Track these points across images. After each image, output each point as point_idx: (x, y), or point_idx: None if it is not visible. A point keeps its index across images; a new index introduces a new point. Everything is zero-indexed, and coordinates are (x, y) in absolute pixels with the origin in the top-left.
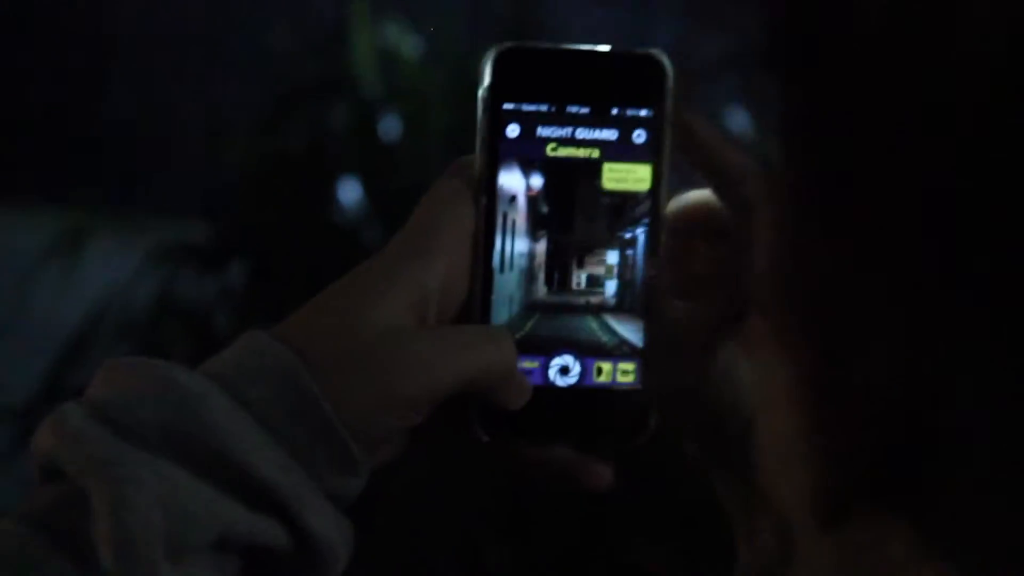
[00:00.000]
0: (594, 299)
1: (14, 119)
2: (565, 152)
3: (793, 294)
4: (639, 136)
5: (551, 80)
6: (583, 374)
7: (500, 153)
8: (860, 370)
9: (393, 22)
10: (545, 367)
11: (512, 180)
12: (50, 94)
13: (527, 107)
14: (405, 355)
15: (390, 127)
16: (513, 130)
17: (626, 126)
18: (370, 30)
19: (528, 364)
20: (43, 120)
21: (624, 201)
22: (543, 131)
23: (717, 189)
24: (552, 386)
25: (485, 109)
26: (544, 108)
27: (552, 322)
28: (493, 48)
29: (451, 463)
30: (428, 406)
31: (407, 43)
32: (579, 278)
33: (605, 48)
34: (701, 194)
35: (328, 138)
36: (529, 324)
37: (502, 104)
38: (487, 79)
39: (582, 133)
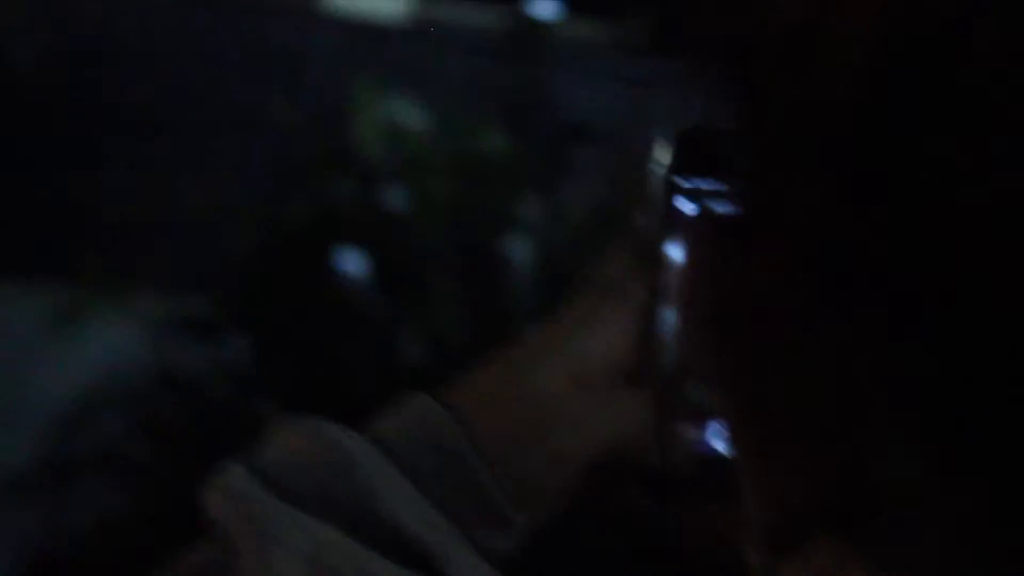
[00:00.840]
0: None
1: (14, 193)
2: None
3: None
4: None
5: (724, 160)
6: (709, 439)
7: (671, 223)
8: (791, 416)
9: (397, 96)
10: (706, 433)
11: (678, 252)
12: (50, 169)
13: (701, 185)
14: (559, 416)
15: (395, 198)
16: (685, 206)
17: None
18: (375, 104)
19: (689, 430)
20: (43, 195)
21: None
22: (719, 205)
23: None
24: (714, 450)
25: (661, 177)
26: (717, 187)
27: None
28: (673, 128)
29: (619, 530)
30: (583, 466)
31: (412, 116)
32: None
33: None
34: None
35: (332, 210)
36: (690, 390)
37: (675, 179)
38: (666, 158)
39: None
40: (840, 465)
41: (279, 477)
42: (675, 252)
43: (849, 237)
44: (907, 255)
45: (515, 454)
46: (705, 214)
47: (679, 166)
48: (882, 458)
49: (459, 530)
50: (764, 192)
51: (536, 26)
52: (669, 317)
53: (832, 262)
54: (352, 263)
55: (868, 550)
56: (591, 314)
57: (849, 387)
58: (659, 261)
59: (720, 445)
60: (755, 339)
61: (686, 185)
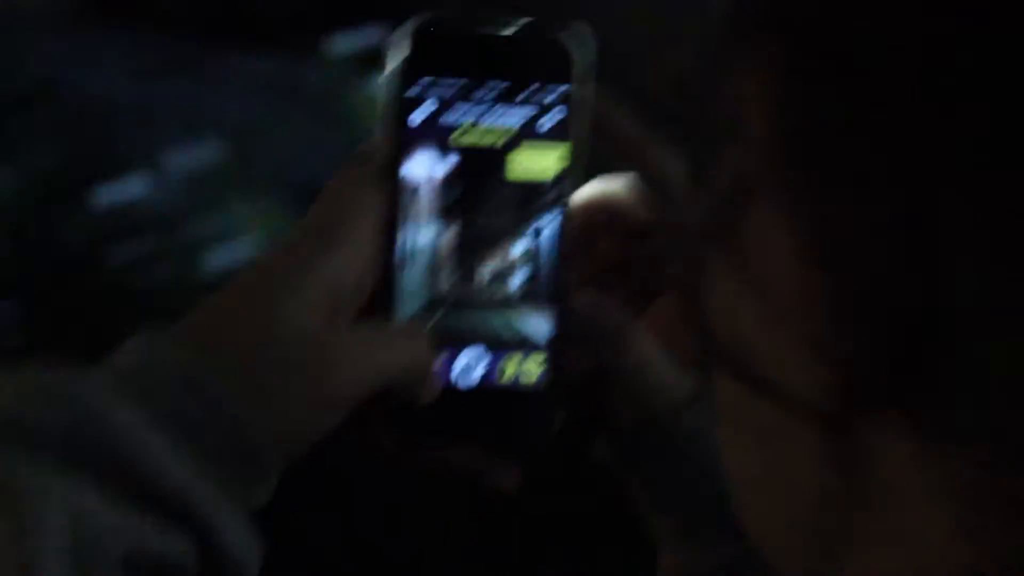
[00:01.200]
0: (501, 293)
1: None
2: (471, 139)
3: (793, 169)
4: (550, 120)
5: (461, 61)
6: (487, 373)
7: (405, 140)
8: (860, 258)
9: None
10: (449, 364)
11: (417, 169)
12: None
13: (433, 92)
14: (326, 355)
15: None
16: (418, 116)
17: (536, 110)
18: None
19: (439, 362)
20: None
21: (531, 190)
22: (449, 117)
23: (641, 177)
24: (455, 386)
25: (391, 93)
26: (451, 93)
27: (457, 317)
28: (404, 24)
29: (354, 466)
30: (349, 407)
31: None
32: (485, 271)
33: (516, 26)
34: (604, 186)
35: None
36: (433, 319)
37: (407, 89)
38: (393, 62)
39: (489, 119)
40: (911, 309)
41: (22, 431)
42: (409, 168)
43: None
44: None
45: (276, 397)
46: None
47: (413, 66)
48: (953, 292)
49: (218, 480)
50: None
51: None
52: (411, 236)
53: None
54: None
55: (918, 420)
56: (332, 237)
57: (923, 216)
58: (396, 177)
59: (463, 379)
60: (826, 166)
61: (417, 91)
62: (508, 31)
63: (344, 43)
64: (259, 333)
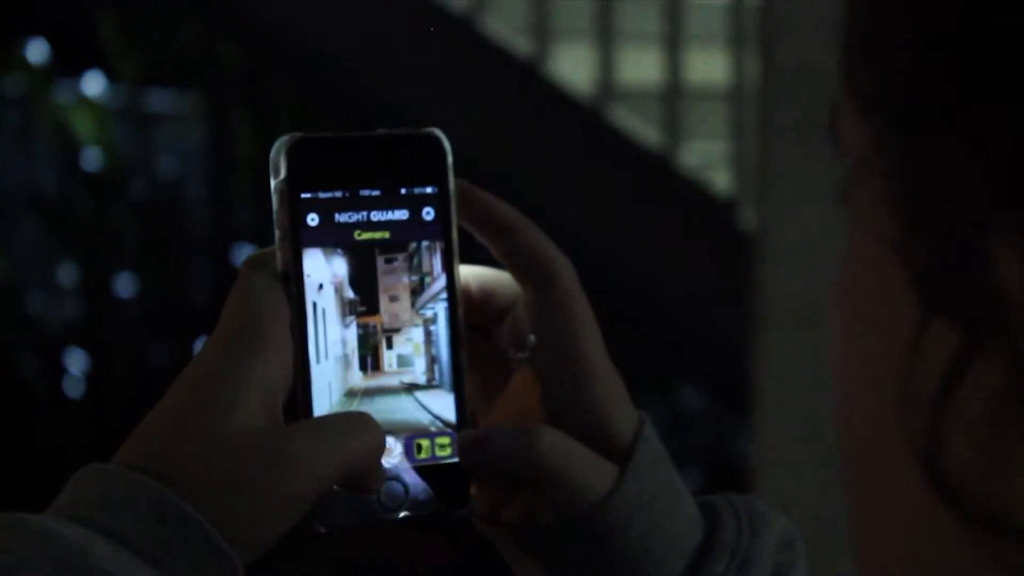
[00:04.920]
0: (406, 378)
1: None
2: (365, 236)
3: None
4: (428, 214)
5: (342, 167)
6: (405, 453)
7: (303, 243)
8: None
9: None
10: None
11: (317, 268)
12: None
13: (323, 195)
14: (283, 457)
15: None
16: (313, 219)
17: (415, 205)
18: None
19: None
20: None
21: (422, 279)
22: (340, 217)
23: (507, 260)
24: (382, 468)
25: (283, 201)
26: (339, 195)
27: (370, 406)
28: (283, 139)
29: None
30: (311, 501)
31: None
32: (390, 359)
33: (386, 131)
34: (476, 271)
35: None
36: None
37: (300, 194)
38: (283, 171)
39: (376, 215)
40: None
41: None
42: (310, 268)
43: None
44: None
45: (237, 506)
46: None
47: (297, 178)
48: None
49: None
50: None
51: None
52: (322, 332)
53: None
54: None
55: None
56: (256, 339)
57: None
58: (299, 278)
59: (384, 462)
60: None
61: (308, 197)
62: (380, 139)
63: (35, 51)
64: (214, 443)
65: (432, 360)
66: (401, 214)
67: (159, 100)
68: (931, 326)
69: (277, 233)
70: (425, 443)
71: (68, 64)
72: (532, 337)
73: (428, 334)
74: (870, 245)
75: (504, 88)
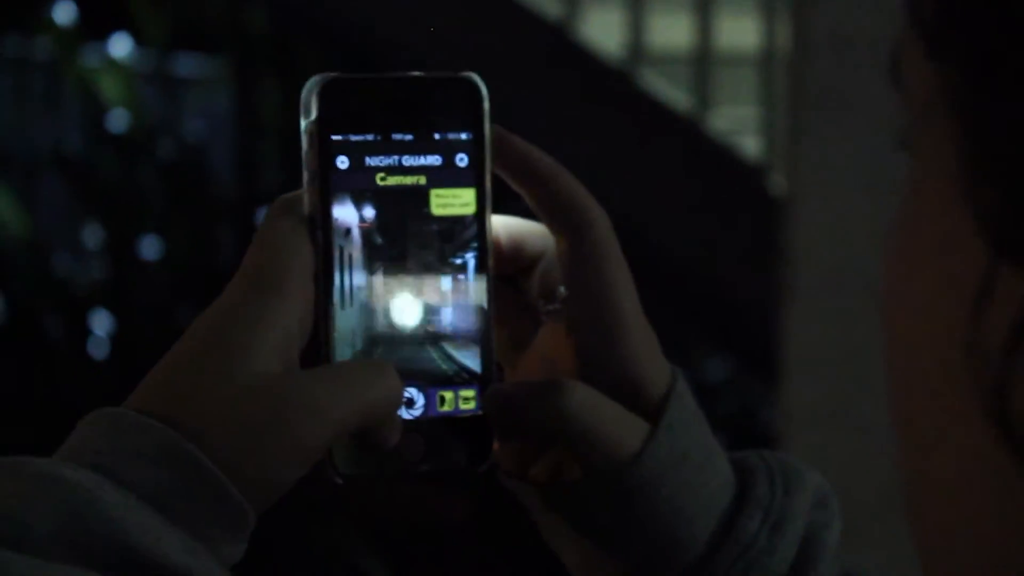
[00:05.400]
0: (431, 328)
1: None
2: (394, 181)
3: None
4: (461, 160)
5: (375, 109)
6: (427, 405)
7: (331, 186)
8: None
9: None
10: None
11: (345, 213)
12: None
13: (354, 137)
14: (296, 402)
15: None
16: (343, 162)
17: (448, 151)
18: None
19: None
20: None
21: (453, 226)
22: (371, 161)
23: (541, 208)
24: (400, 419)
25: (312, 142)
26: (371, 137)
27: (394, 355)
28: (316, 79)
29: (308, 505)
30: (324, 451)
31: None
32: (417, 308)
33: (421, 74)
34: (509, 220)
35: None
36: (374, 358)
37: (330, 136)
38: (313, 111)
39: (408, 160)
40: None
41: (6, 530)
42: (337, 213)
43: None
44: None
45: (249, 452)
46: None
47: (328, 120)
48: None
49: (210, 547)
50: None
51: None
52: (346, 279)
53: None
54: None
55: None
56: (275, 284)
57: None
58: (326, 222)
59: (405, 413)
60: None
61: (338, 139)
62: (414, 82)
63: (63, 13)
64: (226, 387)
65: (460, 310)
66: (434, 159)
67: (186, 64)
68: (999, 272)
69: (305, 175)
70: (449, 395)
71: (95, 27)
72: (562, 289)
73: (457, 283)
74: (933, 191)
75: (534, 51)
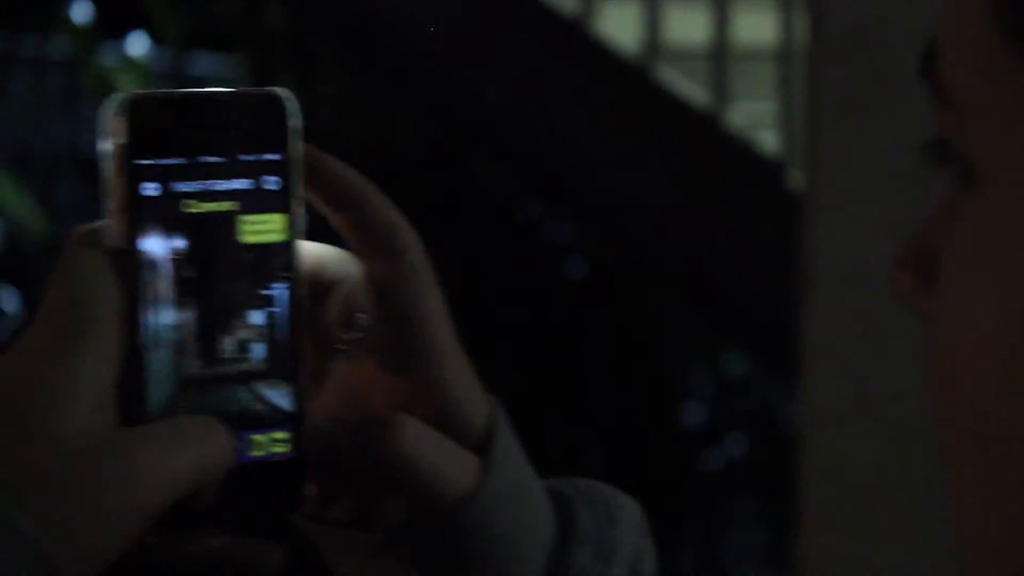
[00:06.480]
0: (244, 366)
1: None
2: (204, 207)
3: None
4: (271, 183)
5: (183, 130)
6: (239, 450)
7: (136, 216)
8: None
9: None
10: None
11: (153, 244)
12: None
13: (161, 161)
14: (128, 464)
15: None
16: (149, 188)
17: (258, 173)
18: None
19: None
20: None
21: (263, 255)
22: (179, 186)
23: (352, 232)
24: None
25: (116, 167)
26: (178, 161)
27: (205, 397)
28: (118, 98)
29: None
30: (158, 514)
31: None
32: (229, 345)
33: (228, 90)
34: (319, 249)
35: None
36: (183, 403)
37: (135, 160)
38: (116, 133)
39: (218, 185)
40: None
41: None
42: (145, 244)
43: None
44: None
45: (65, 512)
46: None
47: (133, 142)
48: None
49: None
50: None
51: None
52: (154, 317)
53: None
54: None
55: None
56: (80, 329)
57: None
58: (132, 255)
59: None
60: None
61: (144, 163)
62: (222, 100)
63: (80, 12)
64: (43, 445)
65: (272, 346)
66: (244, 183)
67: (203, 63)
68: None
69: (108, 203)
70: (261, 439)
71: (113, 26)
72: (365, 317)
73: (268, 317)
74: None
75: (550, 47)
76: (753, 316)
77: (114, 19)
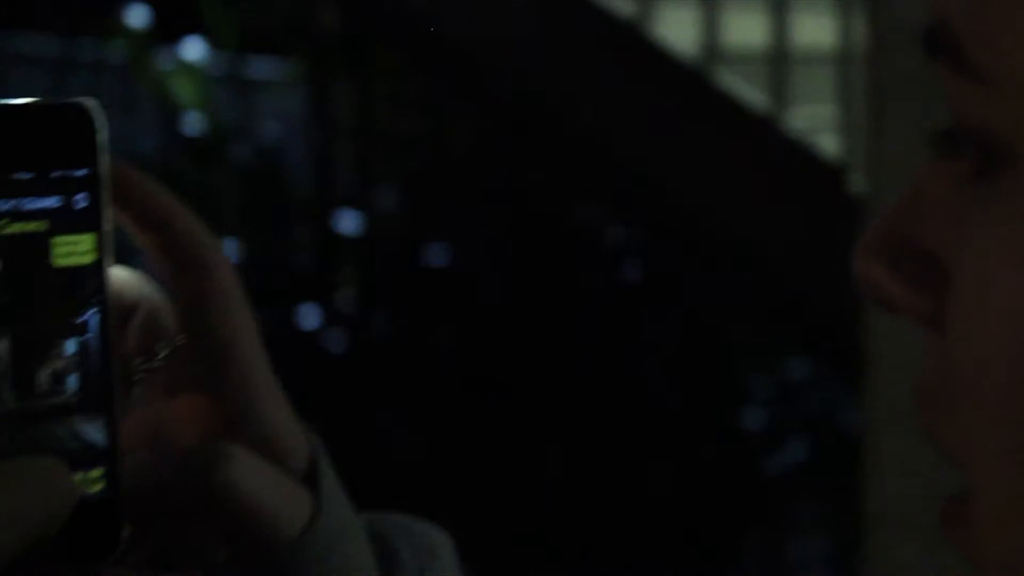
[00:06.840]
0: (60, 399)
1: None
2: (14, 228)
3: None
4: (80, 201)
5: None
6: None
7: None
8: None
9: None
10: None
11: None
12: None
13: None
14: None
15: None
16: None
17: (68, 191)
18: None
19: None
20: None
21: (74, 279)
22: None
23: (159, 252)
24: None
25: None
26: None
27: (20, 435)
28: None
29: None
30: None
31: None
32: (43, 377)
33: (34, 101)
34: (123, 274)
35: None
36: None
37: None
38: None
39: (29, 204)
40: None
41: None
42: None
43: None
44: None
45: None
46: None
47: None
48: None
49: None
50: None
51: None
52: None
53: None
54: None
55: None
56: None
57: None
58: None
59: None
60: None
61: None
62: (25, 112)
63: (136, 17)
64: None
65: (84, 378)
66: (54, 201)
67: (259, 67)
68: None
69: None
70: (79, 478)
71: (168, 30)
72: (164, 345)
73: (81, 346)
74: None
75: (607, 50)
76: (815, 319)
77: (170, 23)
